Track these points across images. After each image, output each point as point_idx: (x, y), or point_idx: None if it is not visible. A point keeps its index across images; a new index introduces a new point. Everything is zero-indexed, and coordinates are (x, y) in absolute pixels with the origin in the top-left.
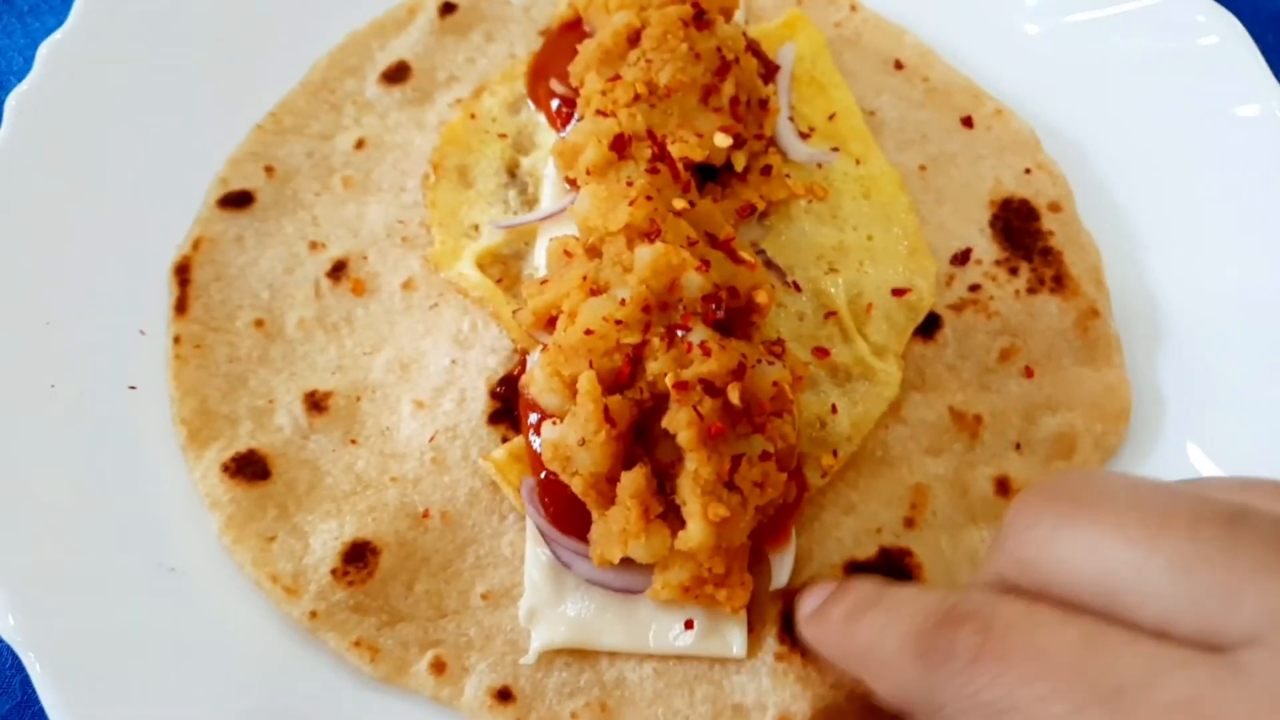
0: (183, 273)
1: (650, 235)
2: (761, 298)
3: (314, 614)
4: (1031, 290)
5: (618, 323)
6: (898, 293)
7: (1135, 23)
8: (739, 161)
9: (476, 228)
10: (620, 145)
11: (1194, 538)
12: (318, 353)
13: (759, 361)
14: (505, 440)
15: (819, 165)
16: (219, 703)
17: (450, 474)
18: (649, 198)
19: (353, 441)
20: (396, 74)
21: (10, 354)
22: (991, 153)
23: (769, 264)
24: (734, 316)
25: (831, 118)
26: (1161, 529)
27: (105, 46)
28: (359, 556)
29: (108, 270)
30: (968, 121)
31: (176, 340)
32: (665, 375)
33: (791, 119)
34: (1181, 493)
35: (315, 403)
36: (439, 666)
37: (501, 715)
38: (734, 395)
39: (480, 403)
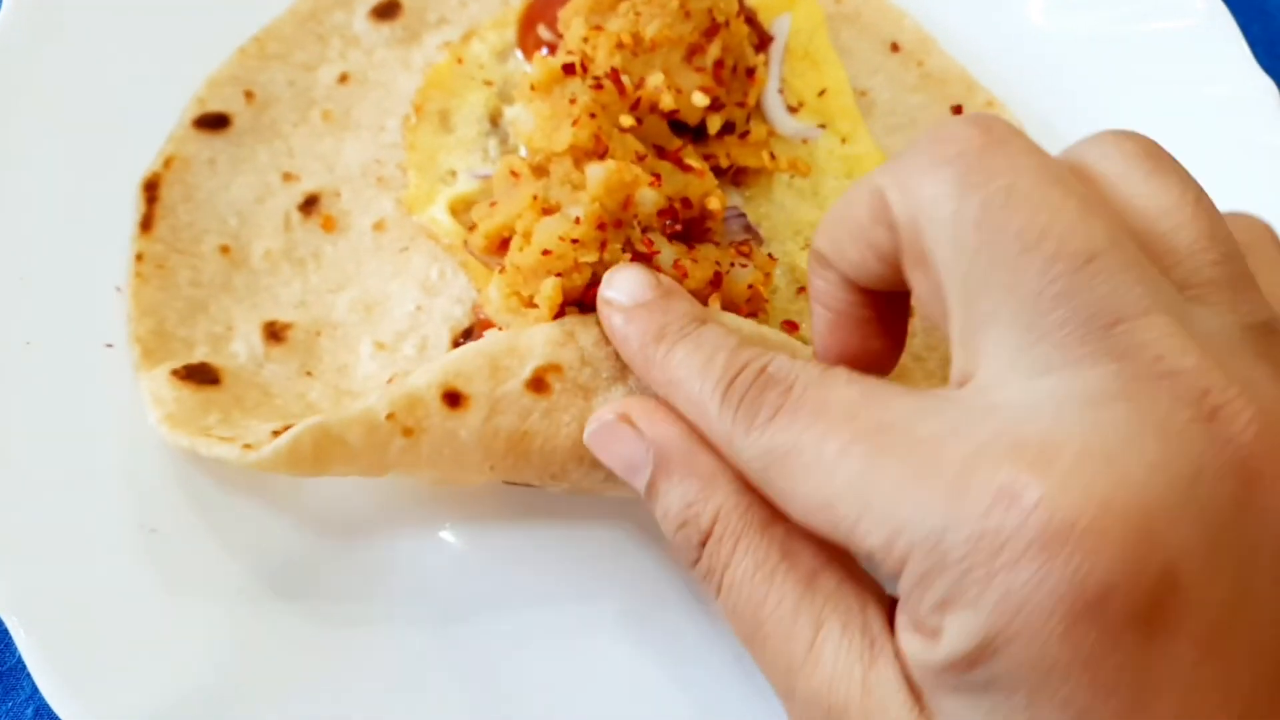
0: (151, 190)
1: (598, 153)
2: (713, 204)
3: (248, 445)
4: None
5: (574, 241)
6: None
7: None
8: (713, 124)
9: (453, 174)
10: (569, 68)
11: None
12: (282, 285)
13: (732, 265)
14: None
15: (804, 140)
16: (202, 664)
17: None
18: (593, 115)
19: (308, 374)
20: (387, 10)
21: None
22: None
23: (749, 228)
24: (690, 226)
25: (822, 94)
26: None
27: None
28: None
29: (86, 224)
30: (958, 111)
31: (139, 258)
32: None
33: (781, 91)
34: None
35: (274, 333)
36: None
37: None
38: (715, 305)
39: (441, 350)
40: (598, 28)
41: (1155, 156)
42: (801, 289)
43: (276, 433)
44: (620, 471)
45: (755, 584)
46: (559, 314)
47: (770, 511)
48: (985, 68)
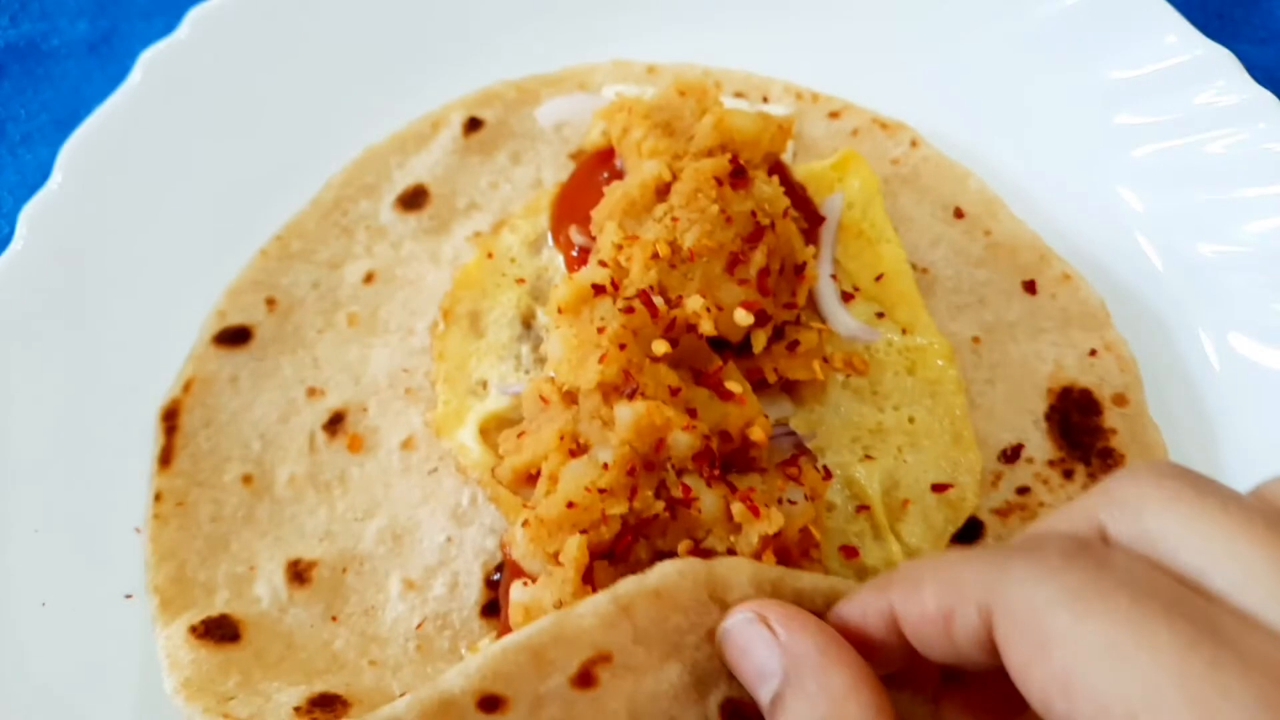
0: (170, 419)
1: (627, 390)
2: (757, 434)
3: None
4: None
5: (601, 490)
6: (938, 488)
7: (1234, 176)
8: (758, 341)
9: (484, 384)
10: (599, 288)
11: None
12: (306, 515)
13: (780, 501)
14: (500, 636)
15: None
16: None
17: (435, 665)
18: (622, 345)
19: (334, 619)
20: (414, 199)
21: None
22: (1055, 326)
23: (799, 447)
24: (732, 457)
25: (879, 279)
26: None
27: (94, 195)
28: (327, 704)
29: (102, 460)
30: (1030, 286)
31: (158, 497)
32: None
33: (835, 276)
34: None
35: (298, 573)
36: None
37: None
38: (769, 561)
39: (474, 591)
40: (632, 237)
41: None
42: (861, 507)
43: (297, 709)
44: (748, 677)
45: None
46: (586, 571)
47: None
48: (1057, 230)
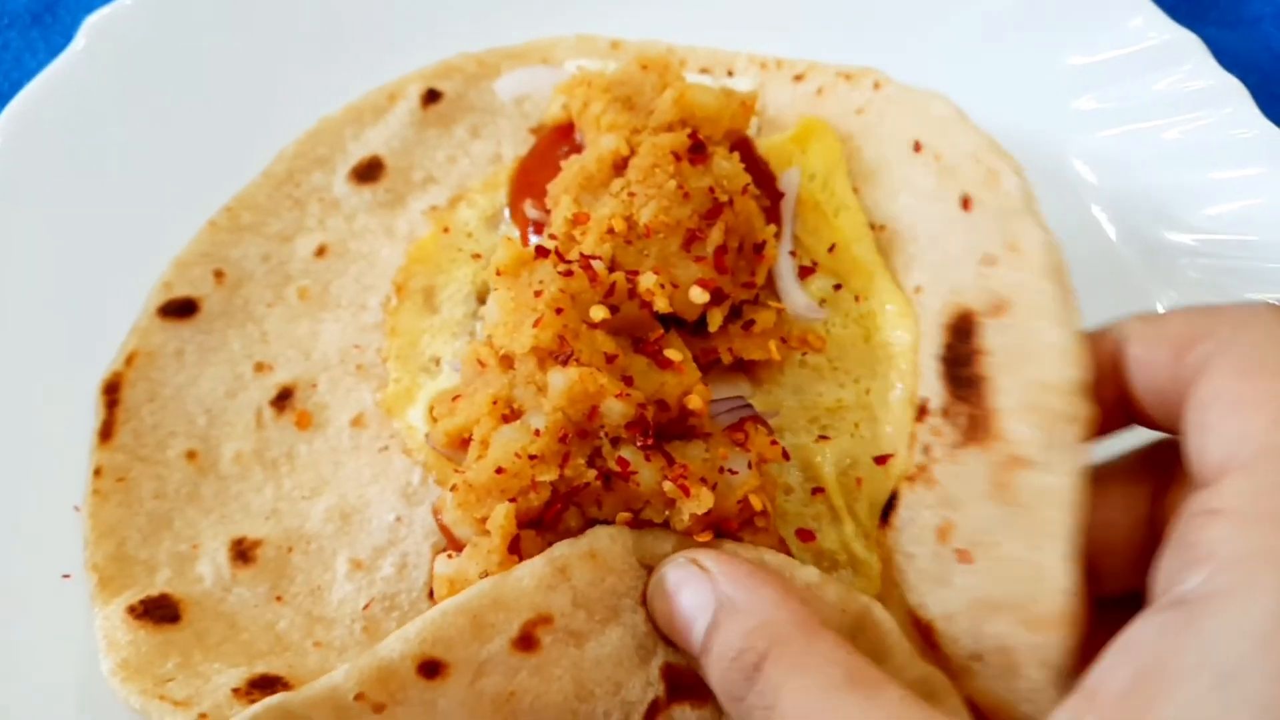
0: (112, 392)
1: (562, 355)
2: (694, 403)
3: (203, 715)
4: (960, 442)
5: (532, 457)
6: (880, 460)
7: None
8: (714, 320)
9: (437, 362)
10: (542, 251)
11: None
12: (252, 493)
13: (722, 471)
14: None
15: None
16: None
17: None
18: (559, 310)
19: (278, 599)
20: (368, 171)
21: None
22: (981, 240)
23: (756, 419)
24: (670, 427)
25: (831, 249)
26: None
27: (34, 161)
28: (268, 685)
29: (41, 435)
30: (966, 203)
31: (97, 472)
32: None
33: (794, 253)
34: None
35: (242, 552)
36: None
37: None
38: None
39: (423, 572)
40: (584, 216)
41: None
42: (817, 490)
43: (236, 690)
44: (682, 618)
45: (821, 696)
46: (514, 541)
47: (833, 641)
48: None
